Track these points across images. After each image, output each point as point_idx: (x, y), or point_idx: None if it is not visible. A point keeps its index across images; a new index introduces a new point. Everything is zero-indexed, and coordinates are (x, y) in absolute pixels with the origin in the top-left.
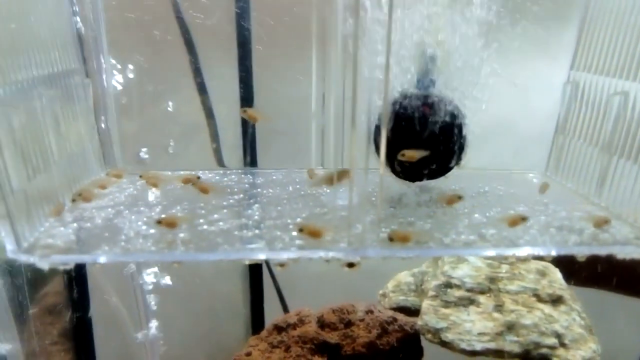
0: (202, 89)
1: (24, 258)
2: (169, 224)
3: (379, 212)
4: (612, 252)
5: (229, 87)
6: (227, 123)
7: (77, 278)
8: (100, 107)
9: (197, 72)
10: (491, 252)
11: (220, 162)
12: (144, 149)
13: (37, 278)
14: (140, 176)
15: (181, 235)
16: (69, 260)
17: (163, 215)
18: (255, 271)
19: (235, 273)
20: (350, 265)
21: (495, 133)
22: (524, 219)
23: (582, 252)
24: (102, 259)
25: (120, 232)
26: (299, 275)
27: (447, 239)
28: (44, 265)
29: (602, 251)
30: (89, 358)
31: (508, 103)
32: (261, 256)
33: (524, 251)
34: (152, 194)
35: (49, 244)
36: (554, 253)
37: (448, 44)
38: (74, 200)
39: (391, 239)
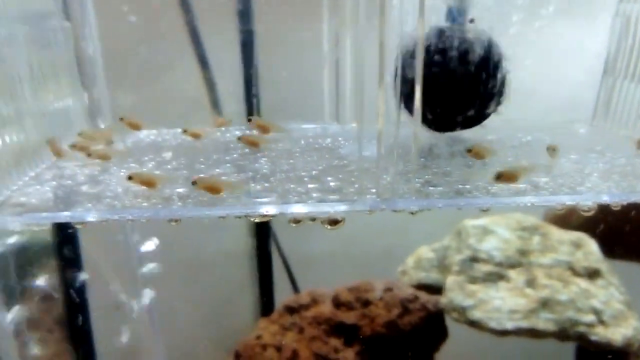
0: (200, 53)
1: None
2: (146, 182)
3: (413, 161)
4: None
5: (230, 49)
6: (228, 88)
7: (72, 260)
8: (84, 60)
9: (194, 34)
10: (550, 201)
11: None
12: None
13: (28, 263)
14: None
15: (179, 190)
16: (44, 219)
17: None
18: (263, 252)
19: (243, 255)
20: (334, 222)
21: (535, 83)
22: None
23: None
24: (84, 217)
25: (106, 188)
26: (310, 256)
27: (493, 188)
28: (15, 225)
29: None
30: (87, 346)
31: (548, 47)
32: (272, 210)
33: (587, 198)
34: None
35: (21, 202)
36: (622, 200)
37: None
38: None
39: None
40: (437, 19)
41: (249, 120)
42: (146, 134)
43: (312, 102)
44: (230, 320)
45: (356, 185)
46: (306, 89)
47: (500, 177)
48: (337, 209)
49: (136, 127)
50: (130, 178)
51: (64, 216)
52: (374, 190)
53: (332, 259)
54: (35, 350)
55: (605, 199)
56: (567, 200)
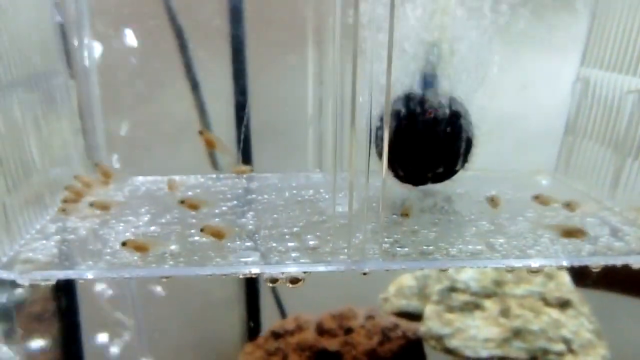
0: (194, 86)
1: (3, 274)
2: (138, 247)
3: (381, 221)
4: (628, 262)
5: (222, 85)
6: (220, 122)
7: (66, 284)
8: (85, 109)
9: (188, 69)
10: (500, 264)
11: (214, 164)
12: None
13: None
14: None
15: (171, 247)
16: (50, 276)
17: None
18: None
19: (231, 277)
20: (295, 281)
21: (501, 131)
22: (582, 232)
23: (596, 263)
24: (86, 275)
25: (105, 244)
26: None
27: (453, 250)
28: (24, 281)
29: (618, 261)
30: None
31: (514, 101)
32: (255, 270)
33: (535, 262)
34: (140, 202)
35: (29, 258)
36: (566, 264)
37: (453, 40)
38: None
39: None
40: (411, 81)
41: (200, 132)
42: (142, 181)
43: (297, 145)
44: (217, 339)
45: (331, 245)
46: (292, 131)
47: None
48: (315, 269)
49: (108, 176)
50: (124, 244)
51: (68, 274)
52: (346, 250)
53: (318, 283)
54: None
55: (549, 263)
56: (516, 264)
